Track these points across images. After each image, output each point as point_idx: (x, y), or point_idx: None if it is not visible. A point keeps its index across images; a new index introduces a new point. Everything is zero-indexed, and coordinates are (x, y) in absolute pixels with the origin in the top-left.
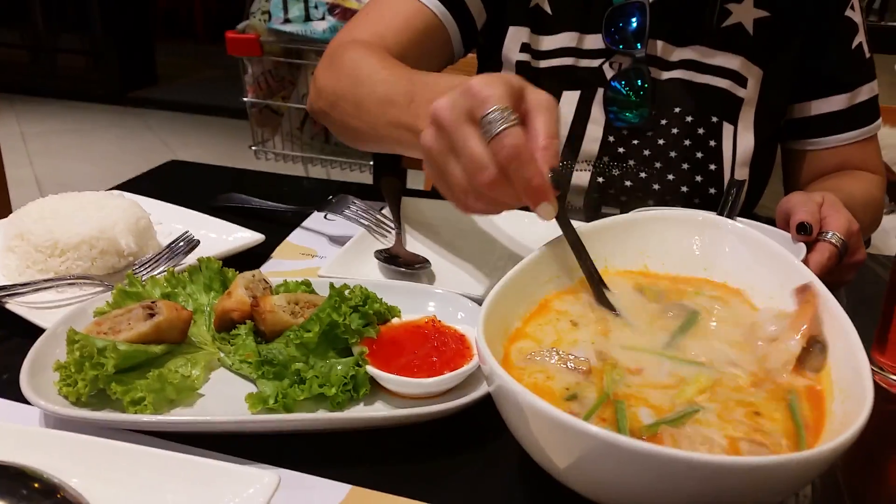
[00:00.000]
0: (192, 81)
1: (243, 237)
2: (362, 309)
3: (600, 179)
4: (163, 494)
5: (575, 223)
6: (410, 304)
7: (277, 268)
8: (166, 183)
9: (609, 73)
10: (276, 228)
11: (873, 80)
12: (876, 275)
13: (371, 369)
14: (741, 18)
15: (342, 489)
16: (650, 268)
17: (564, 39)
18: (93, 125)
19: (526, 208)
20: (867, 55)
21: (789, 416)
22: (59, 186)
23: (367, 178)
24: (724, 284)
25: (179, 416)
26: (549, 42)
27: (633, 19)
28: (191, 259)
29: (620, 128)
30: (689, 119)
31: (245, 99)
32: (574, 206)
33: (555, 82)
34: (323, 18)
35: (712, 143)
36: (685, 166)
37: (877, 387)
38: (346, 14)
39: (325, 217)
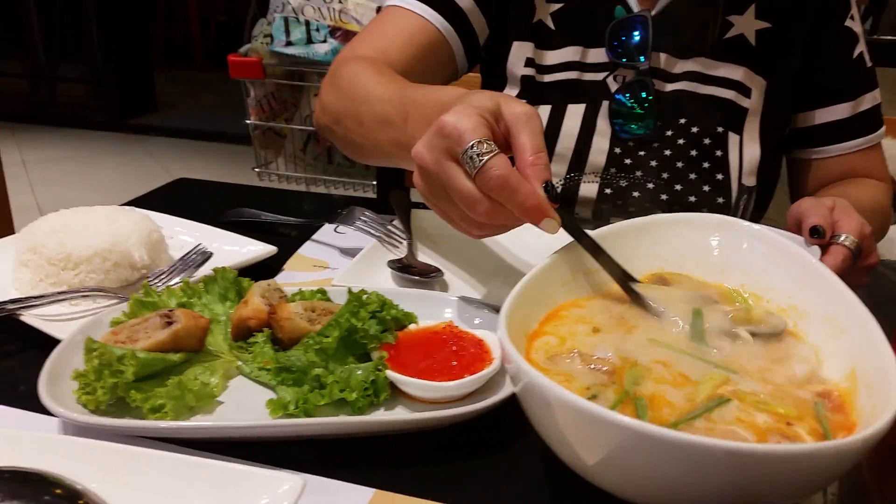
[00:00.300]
0: (192, 108)
1: (256, 249)
2: (380, 315)
3: (608, 191)
4: (186, 499)
5: (587, 230)
6: (427, 310)
7: (290, 279)
8: (175, 200)
9: (613, 86)
10: (286, 242)
11: (876, 89)
12: (889, 280)
13: (391, 374)
14: (743, 30)
15: (366, 493)
16: (667, 271)
17: (568, 54)
18: (93, 152)
19: None
20: (868, 64)
21: (815, 418)
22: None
23: (371, 197)
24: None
25: (198, 424)
26: (552, 57)
27: (636, 33)
28: (204, 271)
29: (626, 139)
30: (694, 130)
31: (248, 122)
32: (582, 217)
33: (560, 96)
34: (325, 41)
35: (718, 152)
36: (692, 176)
37: None
38: (348, 36)
39: (335, 230)
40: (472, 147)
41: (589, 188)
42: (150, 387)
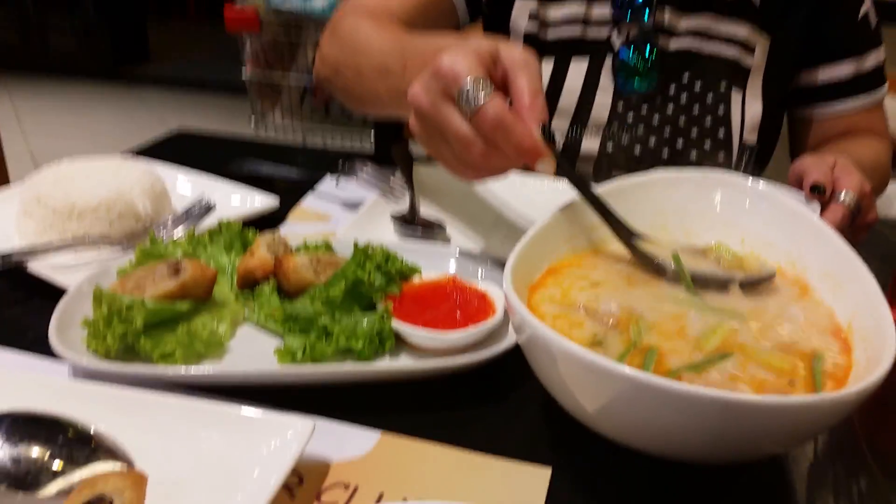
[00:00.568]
0: (185, 57)
1: (258, 201)
2: (384, 268)
3: (609, 147)
4: (197, 442)
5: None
6: (430, 263)
7: (293, 231)
8: (175, 152)
9: (617, 42)
10: (288, 195)
11: (880, 47)
12: (886, 238)
13: (397, 323)
14: None
15: (373, 435)
16: (670, 227)
17: (572, 8)
18: (86, 102)
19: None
20: (873, 23)
21: (811, 372)
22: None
23: (368, 151)
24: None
25: (207, 368)
26: (556, 11)
27: None
28: (207, 223)
29: (629, 95)
30: (697, 87)
31: (245, 75)
32: (584, 173)
33: (563, 51)
34: None
35: (721, 110)
36: (694, 133)
37: None
38: None
39: (336, 185)
40: (467, 87)
41: (591, 143)
42: (159, 334)
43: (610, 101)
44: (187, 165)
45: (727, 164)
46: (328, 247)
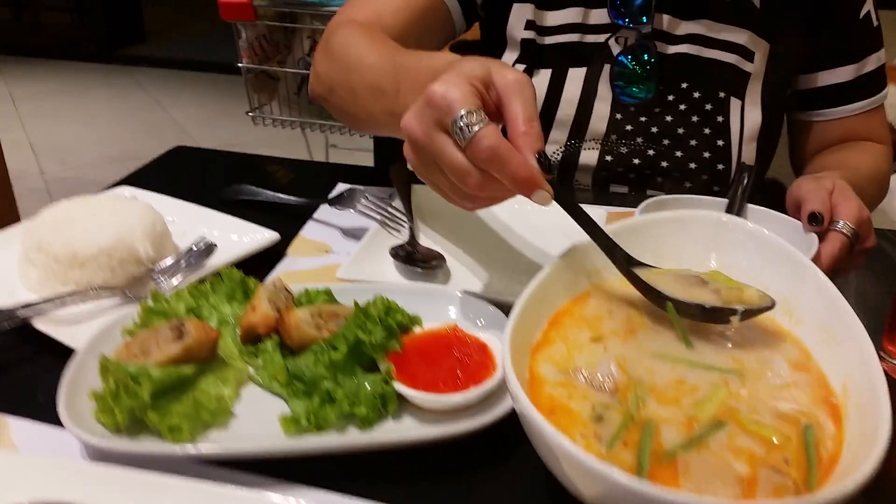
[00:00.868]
0: (182, 36)
1: (258, 237)
2: (385, 321)
3: (608, 158)
4: None
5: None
6: (431, 309)
7: (293, 266)
8: (173, 172)
9: (615, 49)
10: (287, 221)
11: (881, 49)
12: (885, 254)
13: (399, 386)
14: None
15: None
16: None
17: (569, 15)
18: (82, 85)
19: None
20: (875, 23)
21: (804, 446)
22: (53, 150)
23: (367, 142)
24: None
25: (216, 445)
26: (554, 17)
27: None
28: (209, 261)
29: (628, 105)
30: (696, 95)
31: (240, 64)
32: (582, 184)
33: (561, 59)
34: None
35: (720, 118)
36: (693, 143)
37: (887, 376)
38: None
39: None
40: (461, 117)
41: (589, 155)
42: (167, 404)
43: (608, 111)
44: (186, 186)
45: (726, 174)
46: (329, 295)
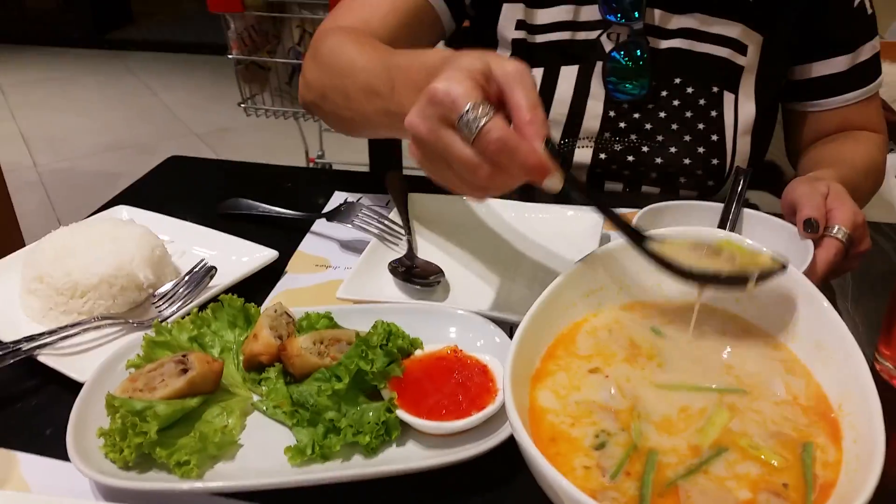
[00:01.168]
0: (170, 17)
1: (257, 257)
2: (386, 347)
3: (602, 156)
4: None
5: (589, 254)
6: (431, 329)
7: (293, 284)
8: (168, 185)
9: (608, 45)
10: (285, 234)
11: (875, 38)
12: (882, 251)
13: (402, 414)
14: None
15: None
16: (665, 286)
17: (560, 13)
18: (71, 72)
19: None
20: (869, 11)
21: (802, 467)
22: (46, 141)
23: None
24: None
25: (224, 478)
26: (544, 15)
27: None
28: (209, 284)
29: (621, 101)
30: (689, 90)
31: (230, 56)
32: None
33: (552, 58)
34: None
35: (713, 113)
36: (687, 138)
37: (882, 379)
38: None
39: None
40: (467, 112)
41: (583, 154)
42: (173, 438)
43: (601, 109)
44: (182, 201)
45: (720, 170)
46: (330, 319)
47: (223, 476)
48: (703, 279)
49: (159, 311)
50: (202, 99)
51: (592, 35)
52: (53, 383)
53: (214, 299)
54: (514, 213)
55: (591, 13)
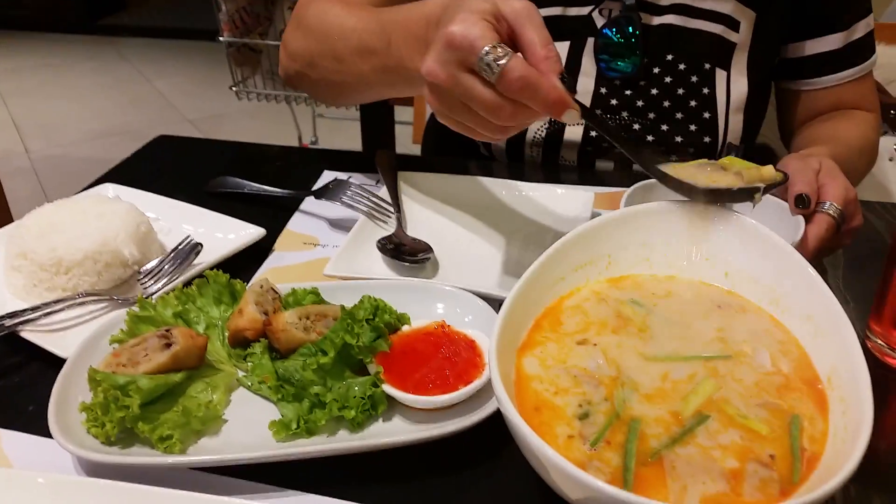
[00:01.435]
0: (162, 3)
1: (244, 234)
2: (373, 322)
3: (593, 133)
4: None
5: (578, 229)
6: (419, 305)
7: (280, 262)
8: (156, 164)
9: (599, 21)
10: (273, 212)
11: (869, 16)
12: (874, 229)
13: (388, 388)
14: None
15: None
16: (653, 261)
17: None
18: (64, 58)
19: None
20: None
21: (789, 438)
22: (38, 128)
23: (353, 112)
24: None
25: (207, 453)
26: None
27: None
28: (195, 262)
29: (612, 79)
30: (681, 67)
31: (221, 38)
32: (568, 161)
33: None
34: None
35: (705, 90)
36: (679, 115)
37: (873, 356)
38: None
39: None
40: (486, 54)
41: (574, 131)
42: (156, 412)
43: (593, 86)
44: (171, 180)
45: (713, 147)
46: (316, 294)
47: (206, 451)
48: (714, 195)
49: (144, 288)
50: (195, 85)
51: (584, 11)
52: (36, 360)
53: (200, 276)
54: (505, 192)
55: None
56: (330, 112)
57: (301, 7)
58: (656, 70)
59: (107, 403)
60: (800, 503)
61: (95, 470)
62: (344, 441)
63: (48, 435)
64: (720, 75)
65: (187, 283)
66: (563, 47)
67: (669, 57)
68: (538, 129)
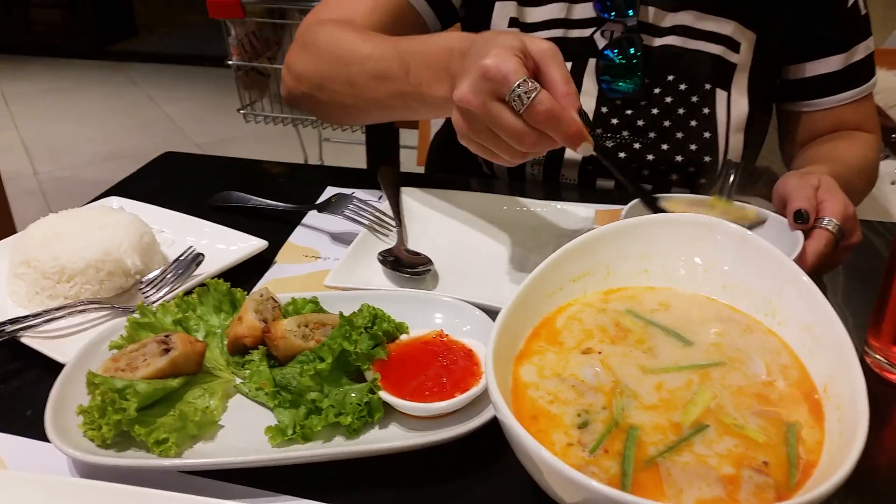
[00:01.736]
0: (173, 30)
1: (247, 246)
2: (371, 330)
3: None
4: None
5: (576, 240)
6: (417, 315)
7: (282, 274)
8: (161, 179)
9: (601, 43)
10: (276, 226)
11: (869, 38)
12: (873, 247)
13: (384, 395)
14: None
15: None
16: (651, 273)
17: (553, 10)
18: (74, 82)
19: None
20: (863, 12)
21: (786, 445)
22: (47, 150)
23: (359, 136)
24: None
25: (203, 457)
26: (537, 14)
27: None
28: (197, 272)
29: (614, 99)
30: (682, 87)
31: (230, 62)
32: (569, 179)
33: None
34: None
35: (706, 110)
36: (679, 135)
37: (872, 372)
38: None
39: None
40: (518, 86)
41: None
42: (153, 416)
43: (594, 105)
44: (175, 195)
45: (713, 167)
46: (316, 304)
47: (202, 455)
48: None
49: (145, 297)
50: (203, 110)
51: (586, 33)
52: (36, 366)
53: (201, 286)
54: (507, 207)
55: (584, 11)
56: (336, 135)
57: (307, 30)
58: (657, 90)
59: (104, 406)
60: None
61: (90, 473)
62: (339, 447)
63: (45, 439)
64: (721, 96)
65: (188, 293)
66: None
67: (670, 77)
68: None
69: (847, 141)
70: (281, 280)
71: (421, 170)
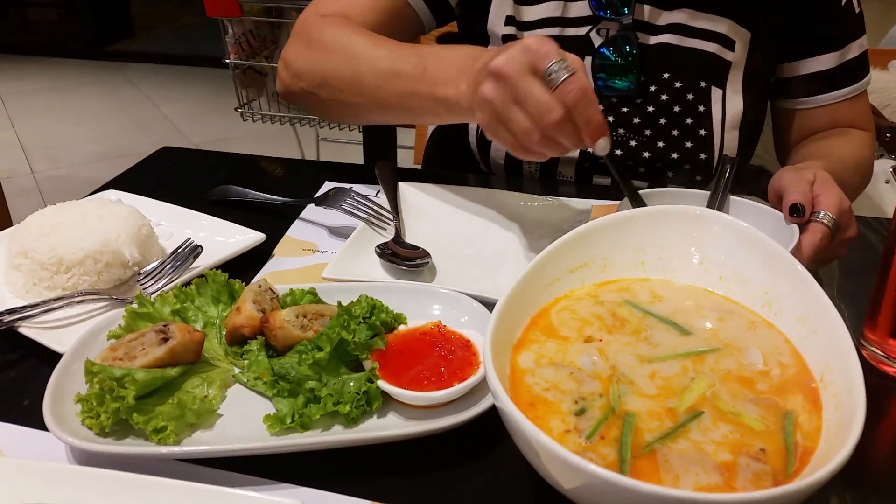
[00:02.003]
0: (170, 30)
1: (245, 238)
2: (369, 321)
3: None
4: None
5: (573, 231)
6: (415, 306)
7: (280, 267)
8: (160, 174)
9: (597, 41)
10: (274, 220)
11: (863, 36)
12: (868, 242)
13: (383, 384)
14: None
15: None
16: (647, 264)
17: (549, 9)
18: (72, 82)
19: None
20: (857, 10)
21: (782, 433)
22: (44, 149)
23: (357, 135)
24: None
25: (201, 445)
26: (533, 12)
27: None
28: (195, 264)
29: (609, 96)
30: (677, 85)
31: (227, 60)
32: (566, 176)
33: None
34: None
35: (701, 108)
36: (675, 133)
37: (868, 364)
38: None
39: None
40: (556, 62)
41: None
42: (151, 405)
43: None
44: (173, 187)
45: (708, 164)
46: (314, 295)
47: (201, 444)
48: None
49: (144, 288)
50: (200, 110)
51: (582, 31)
52: (33, 356)
53: (199, 277)
54: (504, 202)
55: (579, 9)
56: (333, 135)
57: (310, 26)
58: (653, 88)
59: (102, 394)
60: (793, 488)
61: (89, 461)
62: (337, 435)
63: (43, 428)
64: (716, 93)
65: (186, 284)
66: None
67: (666, 75)
68: None
69: (842, 138)
70: (279, 272)
71: (418, 168)
